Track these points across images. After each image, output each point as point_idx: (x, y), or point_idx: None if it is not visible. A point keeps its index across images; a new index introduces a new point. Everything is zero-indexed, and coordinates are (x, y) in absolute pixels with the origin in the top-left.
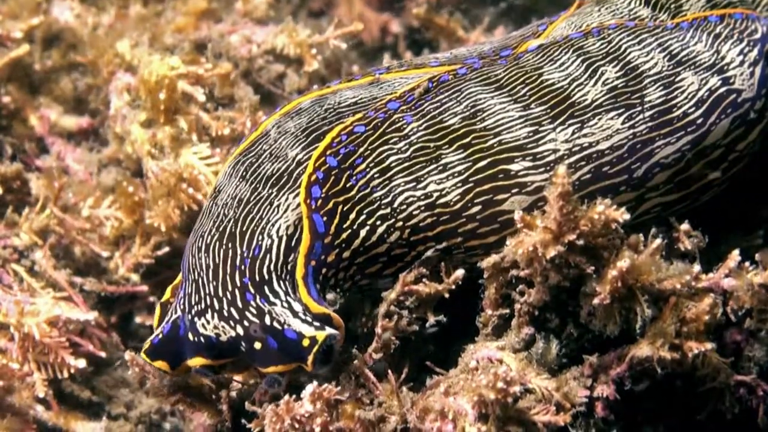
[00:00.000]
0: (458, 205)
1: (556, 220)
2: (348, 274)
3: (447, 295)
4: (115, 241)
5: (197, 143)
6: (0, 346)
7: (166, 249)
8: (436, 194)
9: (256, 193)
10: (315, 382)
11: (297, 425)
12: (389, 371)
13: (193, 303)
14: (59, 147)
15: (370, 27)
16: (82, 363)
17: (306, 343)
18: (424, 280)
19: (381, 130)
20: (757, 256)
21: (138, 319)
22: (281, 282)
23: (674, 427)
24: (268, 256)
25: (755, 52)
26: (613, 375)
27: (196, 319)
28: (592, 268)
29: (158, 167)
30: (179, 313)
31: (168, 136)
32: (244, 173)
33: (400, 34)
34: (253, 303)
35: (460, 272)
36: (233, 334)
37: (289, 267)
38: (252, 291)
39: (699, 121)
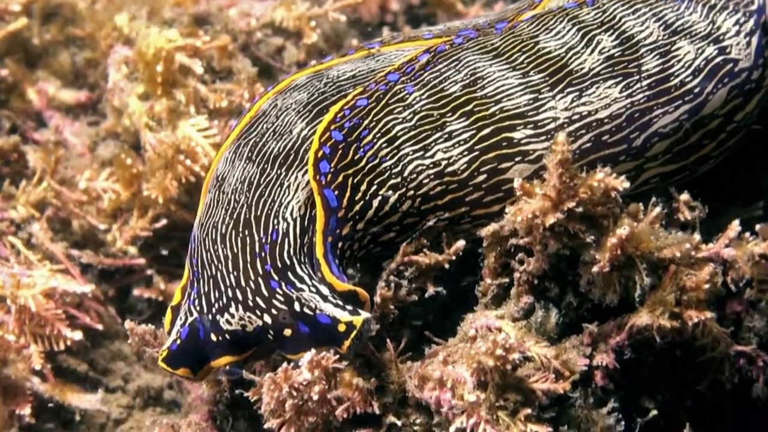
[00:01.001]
0: (465, 174)
1: (555, 188)
2: (362, 244)
3: (447, 266)
4: (112, 213)
5: (195, 115)
6: None
7: (164, 222)
8: (444, 162)
9: (265, 175)
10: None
11: (295, 393)
12: (388, 341)
13: (212, 300)
14: (57, 121)
15: (369, 4)
16: (78, 335)
17: (342, 328)
18: (424, 250)
19: (384, 101)
20: (757, 228)
21: (136, 292)
22: (303, 266)
23: (673, 397)
24: (286, 240)
25: (751, 22)
26: (613, 344)
27: (218, 316)
28: (592, 237)
29: (156, 139)
30: (195, 314)
31: (165, 109)
32: (250, 154)
33: (399, 11)
34: (279, 290)
35: (460, 243)
36: (260, 323)
37: (306, 249)
38: (276, 278)
39: (696, 90)
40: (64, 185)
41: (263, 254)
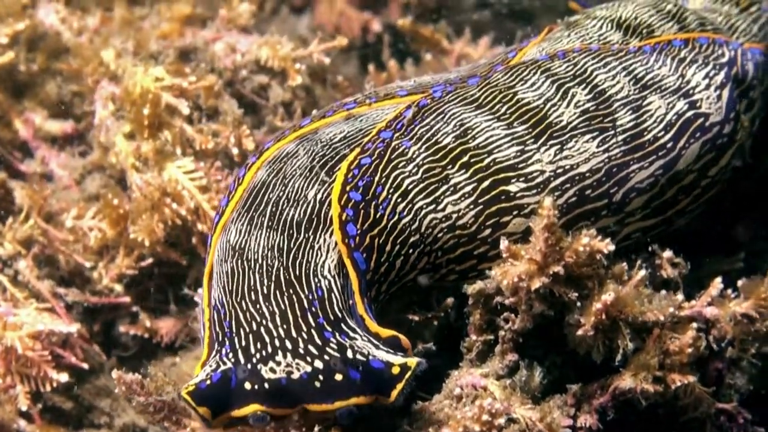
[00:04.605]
0: (473, 227)
1: (542, 252)
2: (383, 304)
3: (436, 323)
4: (99, 250)
5: (181, 157)
6: None
7: (150, 260)
8: (454, 216)
9: (293, 240)
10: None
11: None
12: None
13: (253, 351)
14: (44, 152)
15: (351, 25)
16: (64, 377)
17: (396, 371)
18: (414, 307)
19: (386, 157)
20: (738, 284)
21: (121, 329)
22: (352, 319)
23: None
24: (332, 294)
25: (722, 75)
26: (596, 405)
27: (260, 366)
28: (576, 294)
29: (142, 180)
30: (230, 365)
31: (152, 149)
32: (270, 223)
33: (382, 34)
34: (333, 339)
35: (450, 300)
36: (309, 369)
37: (349, 303)
38: (329, 329)
39: (669, 145)
40: (50, 220)
41: (314, 309)
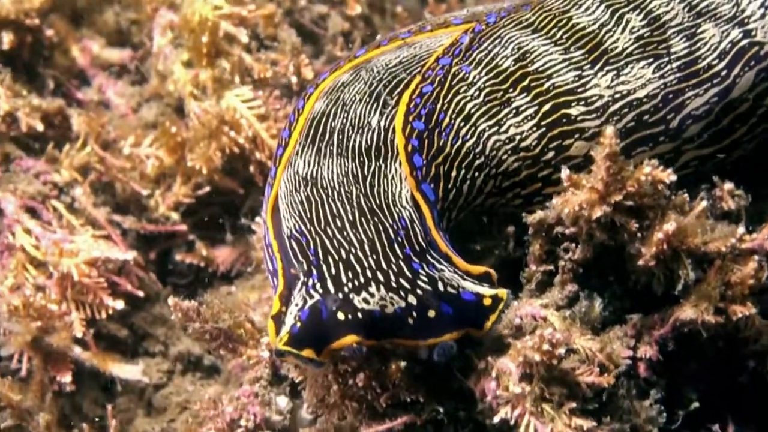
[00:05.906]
0: (537, 150)
1: (603, 180)
2: (450, 231)
3: (496, 252)
4: (156, 178)
5: (239, 85)
6: (38, 284)
7: (207, 189)
8: (517, 137)
9: (365, 167)
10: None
11: (340, 378)
12: None
13: (344, 281)
14: (101, 80)
15: None
16: (120, 304)
17: (488, 302)
18: (475, 237)
19: (447, 83)
20: None
21: (177, 257)
22: (433, 250)
23: (715, 389)
24: (414, 225)
25: None
26: (657, 336)
27: (353, 295)
28: (637, 224)
29: (200, 109)
30: (317, 296)
31: (210, 78)
32: (339, 150)
33: None
34: (422, 271)
35: (510, 229)
36: (403, 304)
37: (428, 237)
38: (417, 260)
39: (723, 73)
40: (107, 148)
41: (400, 239)
